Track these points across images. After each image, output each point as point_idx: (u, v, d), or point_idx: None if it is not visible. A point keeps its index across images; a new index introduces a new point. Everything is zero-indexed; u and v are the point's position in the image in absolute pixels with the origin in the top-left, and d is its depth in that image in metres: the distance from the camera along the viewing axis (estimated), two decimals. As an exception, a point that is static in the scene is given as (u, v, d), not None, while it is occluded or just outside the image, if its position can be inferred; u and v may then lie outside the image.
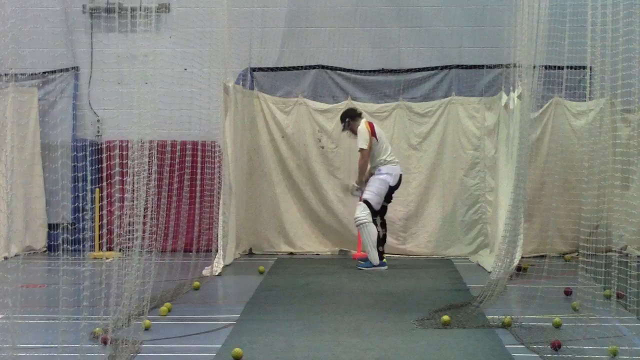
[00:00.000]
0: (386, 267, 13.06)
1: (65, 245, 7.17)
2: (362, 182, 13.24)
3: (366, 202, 12.98)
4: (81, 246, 8.50)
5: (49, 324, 8.51)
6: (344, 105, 14.80)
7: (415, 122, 14.82)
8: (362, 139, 13.04)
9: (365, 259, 13.14)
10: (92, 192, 13.90)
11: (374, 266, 12.94)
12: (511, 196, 10.80)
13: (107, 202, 8.87)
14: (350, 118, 13.40)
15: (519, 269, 11.85)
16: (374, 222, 12.99)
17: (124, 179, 8.66)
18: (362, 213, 12.93)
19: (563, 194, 12.65)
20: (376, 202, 13.03)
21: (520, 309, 9.71)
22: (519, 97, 12.09)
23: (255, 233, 14.89)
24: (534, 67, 10.67)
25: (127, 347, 7.66)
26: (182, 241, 13.56)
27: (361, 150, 13.08)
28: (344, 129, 13.53)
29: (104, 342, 7.80)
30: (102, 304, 7.76)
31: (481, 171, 14.55)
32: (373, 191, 13.03)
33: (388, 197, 13.20)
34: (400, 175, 13.24)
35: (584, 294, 8.76)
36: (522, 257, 12.57)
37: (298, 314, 9.68)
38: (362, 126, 13.13)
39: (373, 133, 13.09)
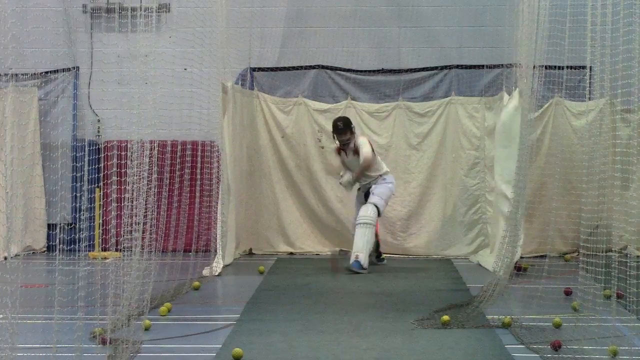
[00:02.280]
0: (385, 261, 13.16)
1: (62, 246, 7.17)
2: (355, 182, 13.24)
3: (376, 206, 12.88)
4: (80, 246, 8.49)
5: (48, 324, 8.50)
6: (344, 105, 14.81)
7: (415, 122, 14.81)
8: (368, 148, 12.95)
9: (358, 266, 12.88)
10: (92, 192, 13.94)
11: (363, 269, 12.71)
12: (511, 196, 10.80)
13: (107, 202, 8.87)
14: (353, 127, 13.17)
15: (519, 268, 11.84)
16: None
17: (124, 179, 8.66)
18: (373, 215, 12.75)
19: (563, 194, 12.66)
20: (383, 208, 13.02)
21: (520, 309, 9.70)
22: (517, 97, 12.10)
23: (255, 233, 14.89)
24: (534, 67, 10.67)
25: (127, 348, 7.66)
26: (181, 241, 13.56)
27: (367, 157, 12.90)
28: (349, 133, 13.02)
29: (103, 342, 7.78)
30: (101, 304, 7.77)
31: (481, 171, 14.55)
32: (383, 198, 12.93)
33: None
34: None
35: (584, 294, 8.76)
36: (522, 257, 12.57)
37: (298, 314, 9.68)
38: (364, 139, 13.09)
39: (372, 147, 13.12)
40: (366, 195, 13.16)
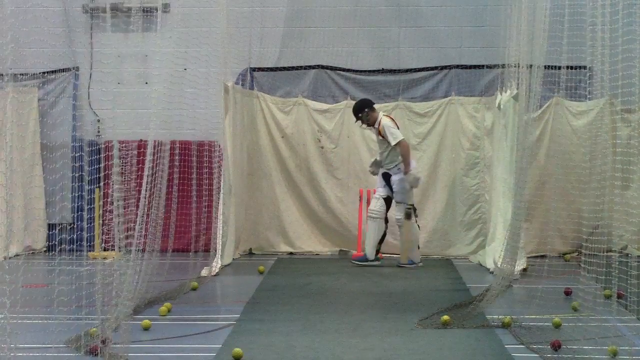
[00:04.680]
0: (380, 262, 13.13)
1: (62, 245, 7.18)
2: (409, 171, 13.13)
3: (402, 203, 13.03)
4: (81, 246, 8.50)
5: (48, 324, 8.50)
6: (343, 105, 14.81)
7: (415, 122, 14.81)
8: (394, 132, 13.07)
9: (363, 259, 13.14)
10: (92, 192, 13.94)
11: (368, 261, 12.99)
12: (509, 197, 10.78)
13: (107, 202, 8.87)
14: (368, 108, 13.32)
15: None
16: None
17: (124, 179, 8.67)
18: (379, 207, 13.04)
19: (563, 194, 12.66)
20: (409, 198, 13.09)
21: (520, 309, 9.70)
22: (515, 97, 12.10)
23: (255, 233, 14.88)
24: (531, 66, 10.66)
25: (118, 348, 7.63)
26: (181, 241, 13.55)
27: (401, 142, 13.03)
28: (361, 120, 13.29)
29: (93, 351, 7.64)
30: (99, 304, 7.76)
31: (481, 171, 14.54)
32: (400, 191, 13.03)
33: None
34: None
35: (584, 294, 8.76)
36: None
37: (298, 314, 9.68)
38: (387, 121, 13.16)
39: (397, 126, 13.17)
40: (385, 176, 13.21)
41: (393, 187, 13.14)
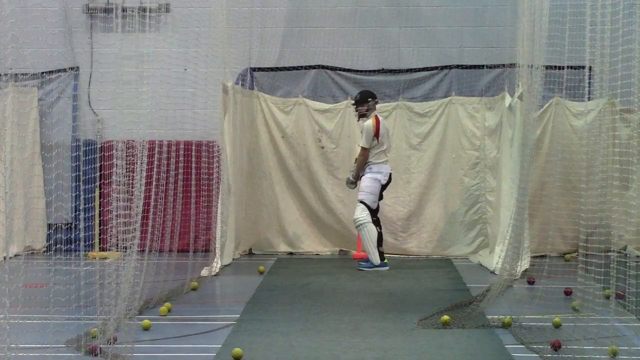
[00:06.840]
0: (387, 267, 13.02)
1: (60, 245, 7.17)
2: (358, 177, 13.22)
3: (363, 202, 12.97)
4: (82, 246, 8.49)
5: (47, 324, 8.50)
6: (343, 105, 14.81)
7: (415, 122, 14.81)
8: (366, 138, 12.99)
9: (366, 260, 13.12)
10: (92, 192, 13.94)
11: (375, 266, 12.92)
12: (515, 198, 10.77)
13: (106, 202, 8.86)
14: (372, 99, 13.27)
15: (531, 282, 11.74)
16: (373, 222, 12.99)
17: (123, 179, 8.66)
18: (362, 214, 12.91)
19: (563, 194, 12.64)
20: (372, 201, 13.00)
21: (520, 309, 9.71)
22: (520, 97, 12.08)
23: (255, 233, 14.88)
24: (531, 66, 10.65)
25: (121, 348, 7.63)
26: (181, 241, 13.53)
27: (362, 148, 13.06)
28: (356, 107, 13.29)
29: (92, 351, 7.63)
30: (98, 304, 7.77)
31: (481, 171, 14.54)
32: (367, 191, 12.99)
33: (379, 195, 13.18)
34: (390, 174, 13.21)
35: (584, 294, 8.75)
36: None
37: (298, 314, 9.68)
38: (370, 123, 13.06)
39: (377, 133, 13.04)
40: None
41: (361, 185, 13.09)
